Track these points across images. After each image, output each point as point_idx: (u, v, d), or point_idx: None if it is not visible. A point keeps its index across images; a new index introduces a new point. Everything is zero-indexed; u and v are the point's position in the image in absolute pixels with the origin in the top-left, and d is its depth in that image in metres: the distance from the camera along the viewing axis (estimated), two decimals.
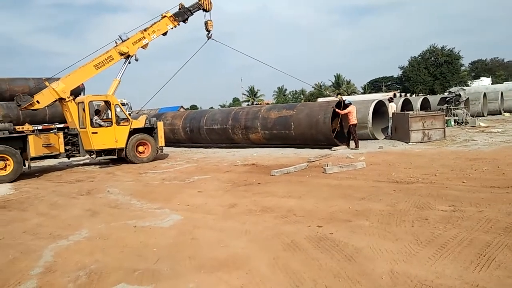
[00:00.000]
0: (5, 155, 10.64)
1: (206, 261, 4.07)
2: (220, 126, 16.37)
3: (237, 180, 8.72)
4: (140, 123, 13.43)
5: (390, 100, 16.99)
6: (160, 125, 13.84)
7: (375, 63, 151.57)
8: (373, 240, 4.31)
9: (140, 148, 13.30)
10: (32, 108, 12.21)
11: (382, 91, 58.68)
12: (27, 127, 12.07)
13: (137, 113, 20.53)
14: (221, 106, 69.05)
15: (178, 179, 9.42)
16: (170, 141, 18.12)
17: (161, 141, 13.77)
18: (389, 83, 78.87)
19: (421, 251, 3.89)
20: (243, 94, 79.83)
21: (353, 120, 12.85)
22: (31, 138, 11.32)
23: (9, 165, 10.72)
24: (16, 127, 11.73)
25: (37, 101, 12.06)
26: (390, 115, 15.67)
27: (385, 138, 15.24)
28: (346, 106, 13.04)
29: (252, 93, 78.31)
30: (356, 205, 5.77)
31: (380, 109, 15.47)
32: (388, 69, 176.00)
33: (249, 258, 4.07)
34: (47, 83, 12.41)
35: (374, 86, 78.31)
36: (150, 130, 13.61)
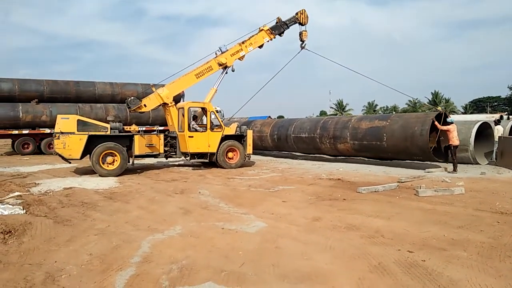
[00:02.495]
0: (114, 151, 11.90)
1: (289, 271, 4.11)
2: (308, 134, 16.35)
3: (322, 193, 8.64)
4: (231, 130, 14.06)
5: (497, 122, 15.39)
6: (249, 133, 14.34)
7: (479, 81, 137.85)
8: (471, 273, 3.96)
9: (230, 154, 13.91)
10: (140, 110, 13.55)
11: (487, 112, 53.24)
12: (133, 127, 13.39)
13: (228, 120, 21.54)
14: None
15: (263, 187, 9.64)
16: (258, 148, 18.61)
17: (249, 148, 14.24)
18: (495, 103, 71.37)
19: None
20: (331, 107, 78.81)
21: (454, 140, 11.87)
22: (136, 138, 12.53)
23: (116, 160, 11.95)
24: (125, 127, 13.09)
25: (144, 105, 13.37)
26: (496, 138, 14.17)
27: (488, 164, 13.81)
28: (446, 123, 12.14)
29: (340, 106, 76.82)
30: (453, 234, 5.34)
31: (483, 132, 14.08)
32: (494, 88, 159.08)
33: (333, 274, 4.01)
34: (153, 89, 13.70)
35: (477, 106, 71.50)
36: (240, 138, 14.16)
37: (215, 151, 13.53)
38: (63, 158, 11.87)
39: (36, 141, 20.57)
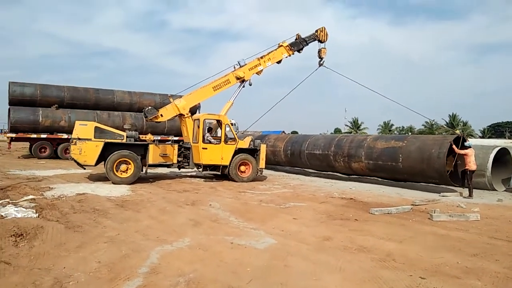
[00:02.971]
0: (128, 160, 12.02)
1: None
2: (322, 151, 16.25)
3: (333, 212, 8.54)
4: (245, 143, 14.08)
5: None
6: (263, 148, 14.33)
7: (497, 106, 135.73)
8: None
9: (242, 168, 13.90)
10: (156, 120, 13.70)
11: (505, 137, 52.20)
12: (149, 136, 13.54)
13: (242, 133, 21.60)
14: None
15: (274, 203, 9.58)
16: (270, 163, 18.55)
17: (262, 163, 14.22)
18: None
19: None
20: (345, 125, 78.29)
21: (471, 165, 11.63)
22: (151, 147, 12.64)
23: (130, 168, 12.05)
24: (140, 136, 13.22)
25: (161, 115, 13.53)
26: None
27: (505, 191, 13.46)
28: (464, 147, 11.94)
29: (356, 125, 76.29)
30: (467, 261, 5.19)
31: (502, 158, 13.77)
32: None
33: None
34: (171, 99, 13.86)
35: (495, 130, 70.25)
36: (253, 151, 14.16)
37: (227, 163, 13.55)
38: (78, 163, 12.04)
39: (53, 145, 20.95)
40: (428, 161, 12.33)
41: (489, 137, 59.06)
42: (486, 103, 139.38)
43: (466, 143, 12.10)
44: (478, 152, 12.72)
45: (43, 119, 20.50)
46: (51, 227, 6.19)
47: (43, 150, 20.85)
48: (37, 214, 6.98)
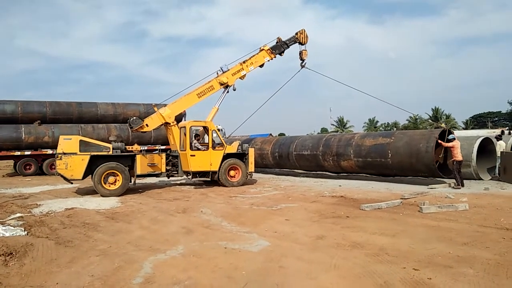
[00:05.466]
0: (116, 171, 11.89)
1: None
2: (310, 152, 16.33)
3: (325, 211, 8.59)
4: (233, 148, 14.08)
5: (498, 137, 15.39)
6: (251, 152, 14.35)
7: (479, 97, 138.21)
8: None
9: (232, 173, 13.89)
10: (142, 130, 13.60)
11: (488, 128, 53.28)
12: (135, 147, 13.44)
13: (228, 138, 21.59)
14: None
15: (266, 205, 9.58)
16: (258, 166, 18.52)
17: (251, 167, 14.23)
18: (496, 118, 71.54)
19: None
20: (331, 124, 78.93)
21: (458, 156, 11.90)
22: (138, 157, 12.55)
23: (118, 180, 11.92)
24: (127, 147, 13.11)
25: (146, 124, 13.44)
26: (498, 154, 14.15)
27: (491, 179, 13.76)
28: (449, 140, 12.19)
29: (341, 123, 76.96)
30: (458, 251, 5.28)
31: (485, 147, 14.08)
32: (494, 104, 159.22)
33: None
34: (155, 109, 13.80)
35: (478, 121, 71.56)
36: (241, 156, 14.16)
37: (217, 169, 13.52)
38: (65, 178, 11.87)
39: (38, 162, 20.60)
40: (416, 156, 12.53)
41: (472, 128, 60.16)
42: (467, 95, 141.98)
43: (450, 136, 12.34)
44: (462, 143, 12.98)
45: (26, 136, 20.15)
46: (41, 243, 6.08)
47: (28, 167, 20.48)
48: (25, 232, 6.85)
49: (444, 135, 12.60)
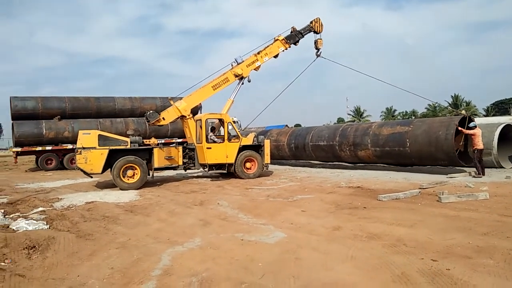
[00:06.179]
0: (134, 165, 12.07)
1: (310, 282, 4.06)
2: (327, 142, 16.22)
3: (341, 202, 8.53)
4: (249, 140, 14.10)
5: None
6: (267, 143, 14.34)
7: (500, 83, 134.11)
8: (499, 281, 3.82)
9: (248, 165, 13.92)
10: (158, 124, 13.75)
11: (509, 114, 51.77)
12: (153, 140, 13.59)
13: (243, 130, 21.60)
14: None
15: (282, 197, 9.59)
16: (274, 158, 18.52)
17: (267, 158, 14.23)
18: None
19: None
20: (348, 114, 78.12)
21: (479, 144, 11.61)
22: (156, 151, 12.69)
23: (136, 174, 12.11)
24: (144, 141, 13.28)
25: (163, 118, 13.58)
26: None
27: None
28: (469, 128, 11.90)
29: (358, 113, 76.05)
30: (478, 241, 5.18)
31: (507, 135, 13.68)
32: None
33: (355, 285, 3.94)
34: (171, 102, 13.90)
35: (499, 108, 69.58)
36: (257, 148, 14.17)
37: (233, 161, 13.58)
38: (85, 172, 12.12)
39: (59, 156, 21.10)
40: (436, 144, 12.29)
41: (493, 115, 58.54)
42: (487, 81, 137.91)
43: (471, 124, 12.03)
44: (483, 131, 12.64)
45: (47, 131, 20.64)
46: (63, 237, 6.24)
47: (49, 162, 21.02)
48: (48, 226, 7.04)
49: (465, 122, 12.29)
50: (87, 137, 12.02)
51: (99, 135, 12.15)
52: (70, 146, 20.44)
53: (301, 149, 17.76)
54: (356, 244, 5.36)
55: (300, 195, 9.68)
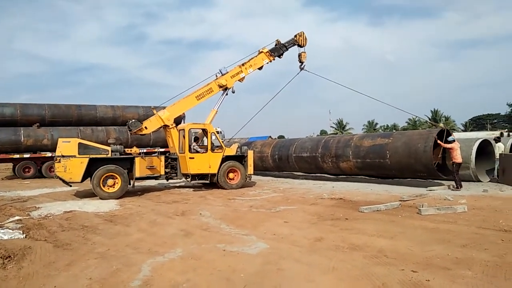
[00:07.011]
0: (115, 174, 11.87)
1: None
2: (310, 154, 16.35)
3: (324, 213, 8.59)
4: (232, 151, 14.08)
5: (497, 139, 15.40)
6: (250, 154, 14.35)
7: (478, 99, 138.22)
8: None
9: (231, 175, 13.88)
10: (141, 133, 13.60)
11: (487, 129, 53.33)
12: (134, 149, 13.42)
13: (228, 141, 21.59)
14: None
15: (264, 208, 9.58)
16: (258, 169, 18.54)
17: (250, 169, 14.23)
18: (495, 120, 71.79)
19: None
20: (331, 126, 79.07)
21: (457, 158, 11.91)
22: (137, 160, 12.53)
23: (117, 183, 11.91)
24: (126, 150, 13.10)
25: (145, 127, 13.44)
26: (497, 156, 14.17)
27: (490, 181, 13.76)
28: (448, 142, 12.20)
29: (341, 126, 77.11)
30: (457, 253, 5.28)
31: (484, 149, 14.09)
32: (493, 106, 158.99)
33: None
34: (154, 111, 13.81)
35: (477, 123, 71.78)
36: (240, 158, 14.16)
37: (216, 172, 13.52)
38: (63, 181, 11.85)
39: (37, 164, 20.59)
40: (415, 156, 12.54)
41: (471, 130, 60.20)
42: (466, 97, 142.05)
43: (449, 138, 12.34)
44: (461, 145, 12.99)
45: (25, 139, 20.14)
46: (39, 246, 6.07)
47: (27, 170, 20.48)
48: (24, 235, 6.84)
49: (443, 135, 12.60)
50: (67, 145, 11.80)
51: (79, 143, 11.95)
52: (49, 154, 19.96)
53: (284, 160, 17.84)
54: (337, 255, 5.39)
55: (283, 206, 9.69)
